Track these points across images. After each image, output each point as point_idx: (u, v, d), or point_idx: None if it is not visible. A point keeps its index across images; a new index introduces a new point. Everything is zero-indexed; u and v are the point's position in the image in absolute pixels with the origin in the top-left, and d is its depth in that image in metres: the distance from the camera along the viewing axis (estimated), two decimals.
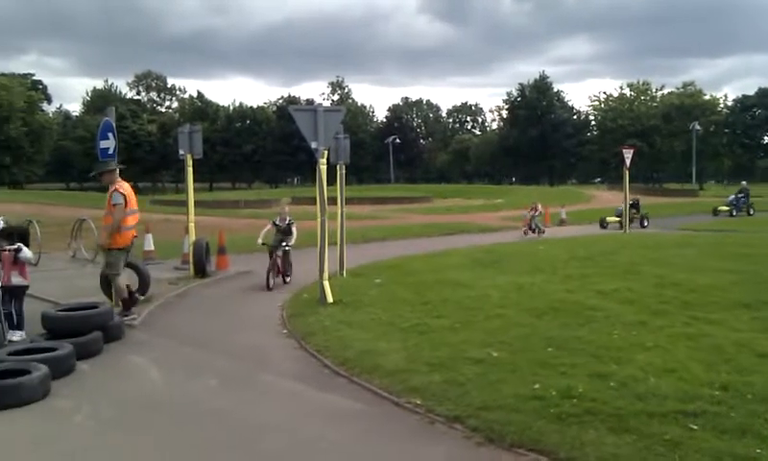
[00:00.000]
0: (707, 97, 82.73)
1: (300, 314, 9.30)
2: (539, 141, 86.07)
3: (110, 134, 9.73)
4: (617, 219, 24.29)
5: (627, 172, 23.30)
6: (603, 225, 24.78)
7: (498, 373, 6.10)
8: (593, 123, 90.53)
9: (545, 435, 4.75)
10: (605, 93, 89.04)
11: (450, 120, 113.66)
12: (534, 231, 21.93)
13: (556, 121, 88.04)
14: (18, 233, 8.69)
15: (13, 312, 8.05)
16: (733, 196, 32.61)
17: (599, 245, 17.08)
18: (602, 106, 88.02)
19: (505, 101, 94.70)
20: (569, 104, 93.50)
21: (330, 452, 4.83)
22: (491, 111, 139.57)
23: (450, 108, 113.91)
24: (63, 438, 5.21)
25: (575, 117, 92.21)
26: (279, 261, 12.14)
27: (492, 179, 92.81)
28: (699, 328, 7.50)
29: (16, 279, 8.19)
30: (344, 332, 8.02)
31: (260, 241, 12.32)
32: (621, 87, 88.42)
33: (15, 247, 8.27)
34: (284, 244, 12.27)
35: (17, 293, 8.19)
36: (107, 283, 9.64)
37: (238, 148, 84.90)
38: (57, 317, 7.69)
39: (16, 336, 7.88)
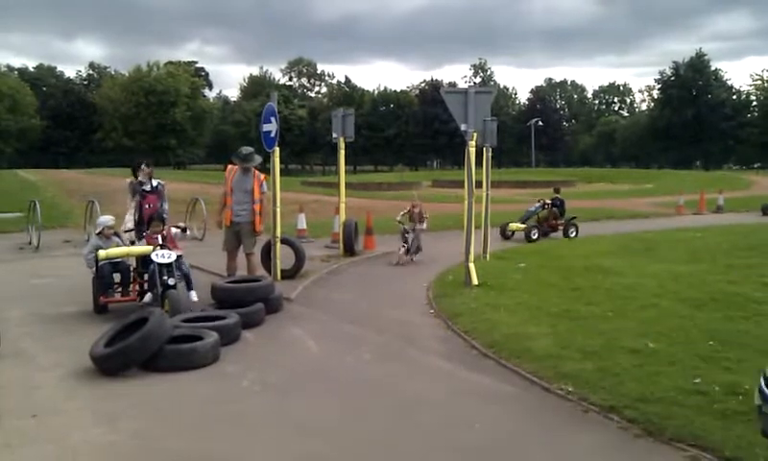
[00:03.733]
0: None
1: (446, 295, 9.42)
2: (693, 123, 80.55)
3: (273, 118, 10.27)
4: (522, 227, 16.48)
5: None
6: (505, 234, 16.53)
7: (656, 364, 5.89)
8: (755, 103, 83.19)
9: (709, 431, 4.55)
10: None
11: (596, 101, 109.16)
12: (408, 250, 12.68)
13: (713, 102, 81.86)
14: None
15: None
16: None
17: (763, 234, 15.86)
18: (765, 85, 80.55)
19: (657, 80, 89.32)
20: (728, 83, 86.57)
21: (485, 433, 4.89)
22: (640, 92, 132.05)
23: (596, 88, 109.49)
24: (234, 400, 5.63)
25: (734, 97, 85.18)
26: None
27: (640, 162, 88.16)
28: None
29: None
30: (490, 315, 8.03)
31: None
32: None
33: (183, 226, 9.13)
34: None
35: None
36: (268, 257, 10.29)
37: (381, 132, 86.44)
38: (224, 288, 8.34)
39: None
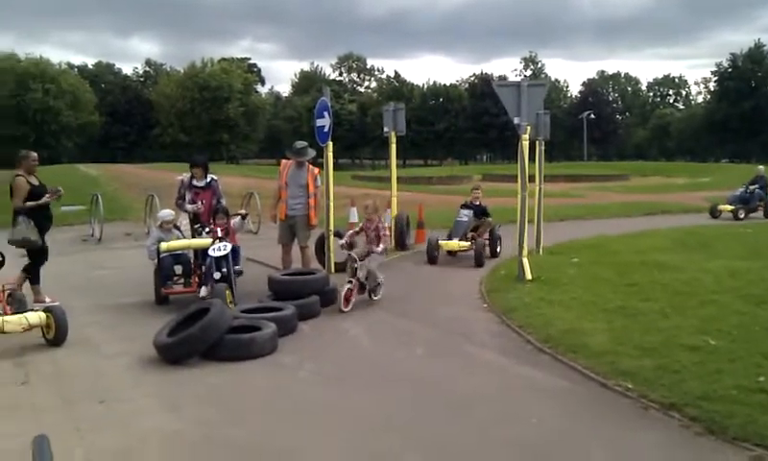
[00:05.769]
0: None
1: (499, 290, 9.38)
2: (751, 116, 77.82)
3: (326, 113, 10.42)
4: (465, 245, 12.13)
5: None
6: (432, 256, 12.02)
7: (717, 362, 5.76)
8: None
9: None
10: None
11: (651, 94, 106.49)
12: (361, 287, 8.75)
13: None
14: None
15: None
16: (742, 189, 20.58)
17: None
18: None
19: (714, 72, 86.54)
20: None
21: (542, 428, 4.88)
22: (696, 84, 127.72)
23: (651, 80, 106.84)
24: (292, 390, 5.76)
25: None
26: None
27: (695, 156, 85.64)
28: None
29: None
30: (545, 310, 7.98)
31: None
32: None
33: (244, 213, 9.36)
34: None
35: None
36: (321, 251, 10.45)
37: (431, 126, 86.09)
38: (281, 280, 8.52)
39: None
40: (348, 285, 8.45)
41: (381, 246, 8.83)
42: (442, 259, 12.10)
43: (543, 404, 5.32)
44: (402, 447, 4.61)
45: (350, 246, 8.86)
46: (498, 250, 12.54)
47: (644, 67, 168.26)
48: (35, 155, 9.06)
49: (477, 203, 12.87)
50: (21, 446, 4.06)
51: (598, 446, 4.59)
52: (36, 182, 8.86)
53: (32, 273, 8.89)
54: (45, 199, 8.77)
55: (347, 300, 8.37)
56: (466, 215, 12.61)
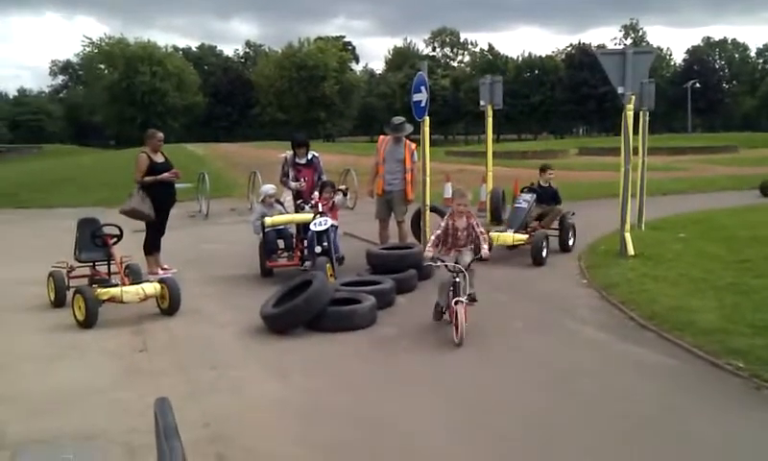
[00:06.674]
0: None
1: (599, 265, 9.17)
2: None
3: (423, 88, 10.42)
4: (523, 238, 9.90)
5: None
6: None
7: None
8: None
9: None
10: None
11: (760, 61, 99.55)
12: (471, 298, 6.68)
13: None
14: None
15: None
16: None
17: None
18: None
19: None
20: None
21: (647, 403, 4.79)
22: None
23: (760, 46, 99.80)
24: (392, 361, 5.89)
25: None
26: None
27: None
28: None
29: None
30: (649, 286, 7.75)
31: None
32: None
33: (345, 189, 9.56)
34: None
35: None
36: (417, 226, 10.54)
37: (526, 99, 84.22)
38: (379, 254, 8.71)
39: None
40: (459, 308, 6.17)
41: (485, 246, 6.81)
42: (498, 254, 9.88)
43: (648, 382, 5.21)
44: (503, 420, 4.63)
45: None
46: (571, 243, 10.58)
47: (752, 33, 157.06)
48: (160, 135, 9.65)
49: (547, 185, 10.94)
50: (144, 407, 4.39)
51: (707, 424, 4.46)
52: (159, 160, 9.43)
53: (149, 244, 9.45)
54: (162, 176, 9.27)
55: (458, 326, 6.15)
56: (525, 201, 10.50)
